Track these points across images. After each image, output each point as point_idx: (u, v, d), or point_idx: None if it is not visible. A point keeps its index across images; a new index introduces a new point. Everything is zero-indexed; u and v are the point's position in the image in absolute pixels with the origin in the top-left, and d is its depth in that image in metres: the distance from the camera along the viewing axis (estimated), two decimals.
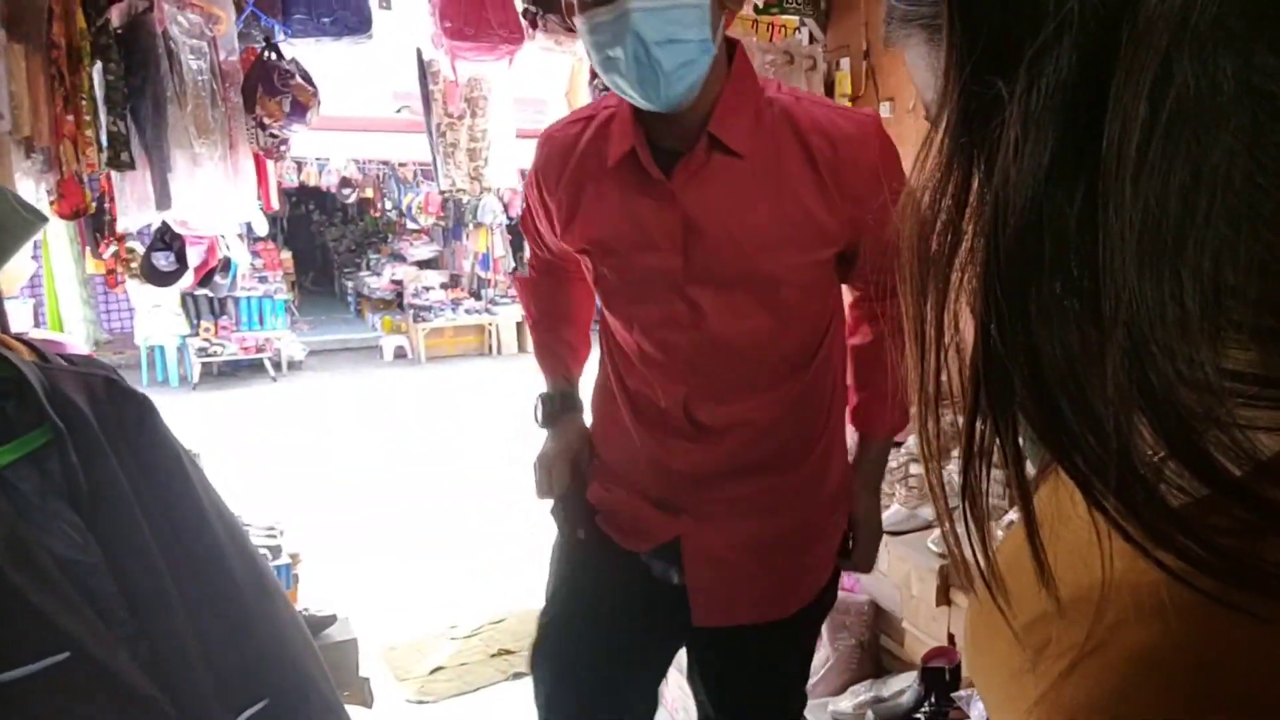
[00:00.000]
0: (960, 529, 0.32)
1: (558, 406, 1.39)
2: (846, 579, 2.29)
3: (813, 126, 1.15)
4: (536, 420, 1.40)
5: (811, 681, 2.11)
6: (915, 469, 2.05)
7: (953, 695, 1.74)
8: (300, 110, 2.59)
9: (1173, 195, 0.23)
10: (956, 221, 0.28)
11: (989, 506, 0.31)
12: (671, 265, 1.17)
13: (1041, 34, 0.24)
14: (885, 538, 2.09)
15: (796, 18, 3.18)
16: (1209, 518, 0.25)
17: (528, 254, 1.48)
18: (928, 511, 2.02)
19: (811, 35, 3.26)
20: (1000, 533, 0.37)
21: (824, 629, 2.14)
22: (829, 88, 3.19)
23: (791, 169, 1.14)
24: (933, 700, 1.77)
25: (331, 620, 1.97)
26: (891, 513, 2.02)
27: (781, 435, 1.24)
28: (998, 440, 0.29)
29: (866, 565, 1.39)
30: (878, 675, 2.07)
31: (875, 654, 2.14)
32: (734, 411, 1.23)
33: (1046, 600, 0.30)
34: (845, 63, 3.11)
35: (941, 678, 1.75)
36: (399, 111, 6.32)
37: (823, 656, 2.09)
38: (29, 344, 1.05)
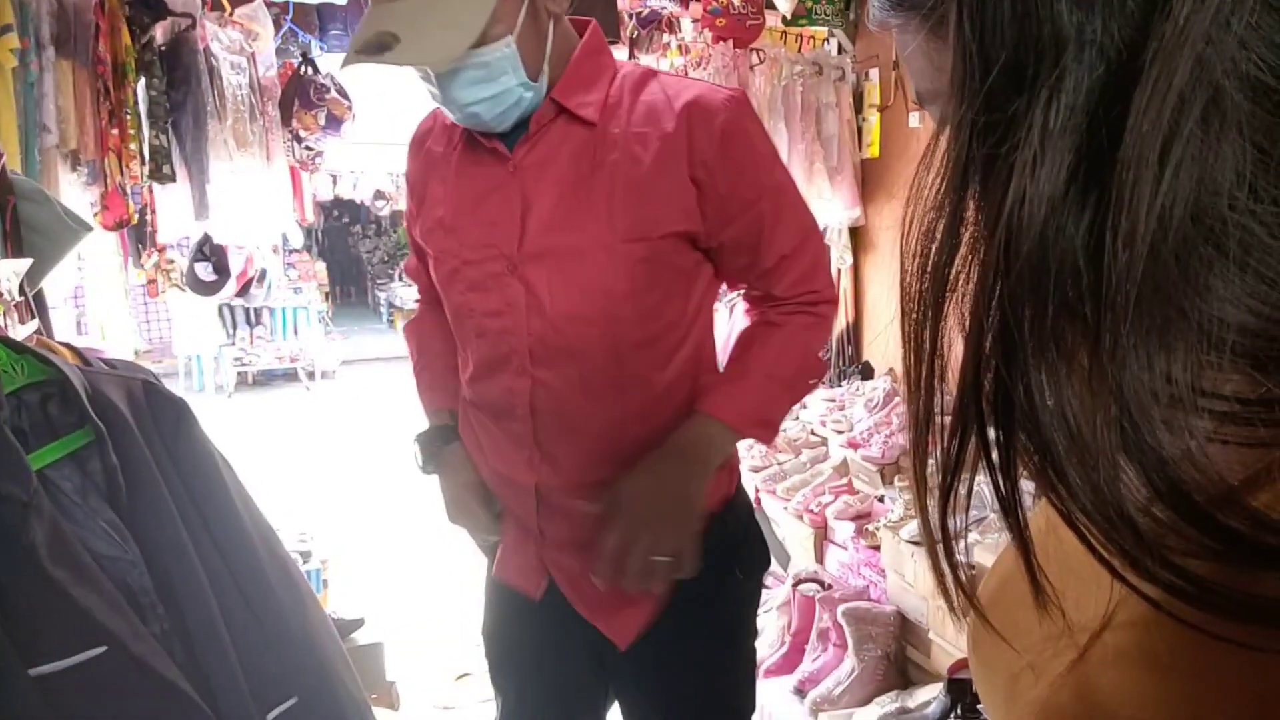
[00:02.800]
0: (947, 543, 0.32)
1: (437, 442, 1.32)
2: (873, 589, 2.27)
3: (671, 96, 1.10)
4: (418, 465, 1.33)
5: (837, 692, 2.10)
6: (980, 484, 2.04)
7: (978, 707, 1.72)
8: (335, 123, 2.65)
9: (1185, 205, 0.23)
10: (958, 243, 0.28)
11: (966, 534, 0.32)
12: (507, 238, 1.11)
13: (1063, 54, 0.24)
14: (911, 548, 2.09)
15: (825, 29, 3.19)
16: (1181, 545, 0.25)
17: (416, 294, 1.45)
18: (951, 523, 2.00)
19: (840, 46, 3.27)
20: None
21: (849, 639, 2.13)
22: (858, 98, 3.19)
23: (647, 137, 1.08)
24: (959, 712, 1.75)
25: (360, 624, 2.00)
26: (919, 524, 2.00)
27: (629, 448, 1.12)
28: (987, 464, 0.28)
29: (611, 572, 1.04)
30: (904, 687, 2.05)
31: (901, 665, 2.12)
32: (578, 411, 1.14)
33: (1045, 618, 0.30)
34: (874, 73, 3.12)
35: (968, 689, 1.73)
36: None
37: (848, 668, 2.08)
38: (71, 348, 1.08)
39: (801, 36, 3.27)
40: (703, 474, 1.10)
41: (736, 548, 1.22)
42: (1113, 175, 0.23)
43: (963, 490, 0.30)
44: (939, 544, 0.31)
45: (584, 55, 1.12)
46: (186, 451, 1.11)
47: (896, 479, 2.36)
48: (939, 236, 0.28)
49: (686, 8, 3.08)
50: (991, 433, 0.28)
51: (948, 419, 0.30)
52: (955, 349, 0.29)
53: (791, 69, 3.04)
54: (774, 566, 2.35)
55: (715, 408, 1.12)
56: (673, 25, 3.29)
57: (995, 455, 0.28)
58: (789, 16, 2.91)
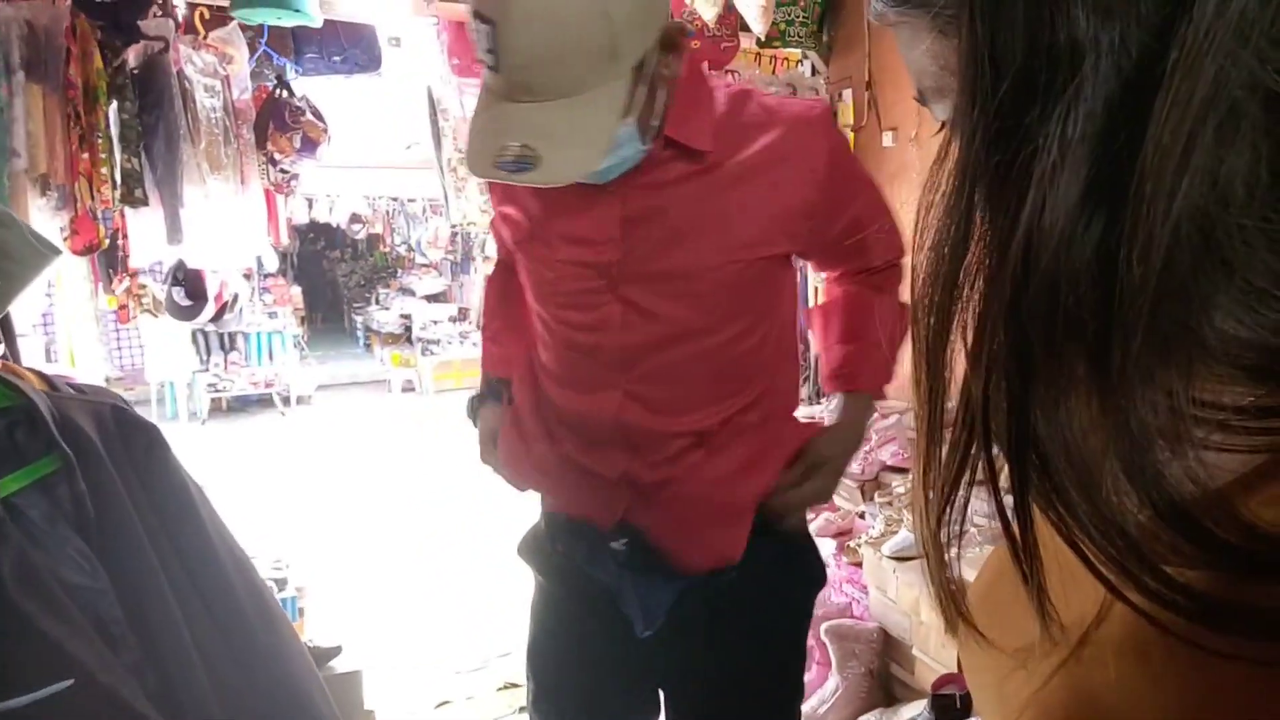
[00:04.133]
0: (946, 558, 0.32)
1: (477, 402, 1.39)
2: (855, 606, 2.27)
3: (772, 114, 1.13)
4: (469, 416, 1.41)
5: (821, 710, 2.08)
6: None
7: None
8: (310, 146, 2.64)
9: (1205, 202, 0.23)
10: (967, 255, 0.28)
11: (961, 544, 0.32)
12: (605, 259, 1.12)
13: (1081, 63, 0.24)
14: (894, 564, 2.09)
15: (799, 50, 3.24)
16: (1176, 558, 0.25)
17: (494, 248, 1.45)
18: (947, 534, 2.00)
19: (814, 68, 3.31)
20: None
21: (833, 656, 2.12)
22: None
23: (754, 158, 1.11)
24: None
25: (337, 651, 1.97)
26: (899, 539, 2.01)
27: (729, 447, 1.18)
28: (989, 477, 0.28)
29: (818, 497, 1.26)
30: (888, 704, 2.04)
31: (885, 682, 2.12)
32: (670, 422, 1.16)
33: (1040, 626, 0.30)
34: (848, 94, 3.15)
35: (953, 705, 1.73)
36: (408, 149, 6.42)
37: (832, 686, 2.07)
38: (38, 373, 1.06)
39: (776, 58, 3.31)
40: (860, 442, 1.30)
41: (804, 556, 1.30)
42: (1125, 187, 0.23)
43: (960, 504, 0.30)
44: (936, 556, 0.31)
45: (687, 85, 1.11)
46: (158, 477, 1.09)
47: (877, 495, 2.36)
48: (949, 245, 0.28)
49: None
50: (993, 447, 0.28)
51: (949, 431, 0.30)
52: (960, 360, 0.29)
53: (765, 90, 3.08)
54: None
55: (863, 384, 1.26)
56: None
57: (997, 469, 0.28)
58: (763, 39, 2.94)
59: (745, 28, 2.98)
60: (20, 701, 0.86)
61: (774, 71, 3.28)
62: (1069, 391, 0.25)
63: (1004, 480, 0.29)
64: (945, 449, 0.30)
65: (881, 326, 1.25)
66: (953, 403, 0.30)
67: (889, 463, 2.39)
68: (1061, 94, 0.24)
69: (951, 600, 0.32)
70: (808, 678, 2.23)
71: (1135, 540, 0.25)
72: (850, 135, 3.19)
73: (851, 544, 2.30)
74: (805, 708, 2.11)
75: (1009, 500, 0.28)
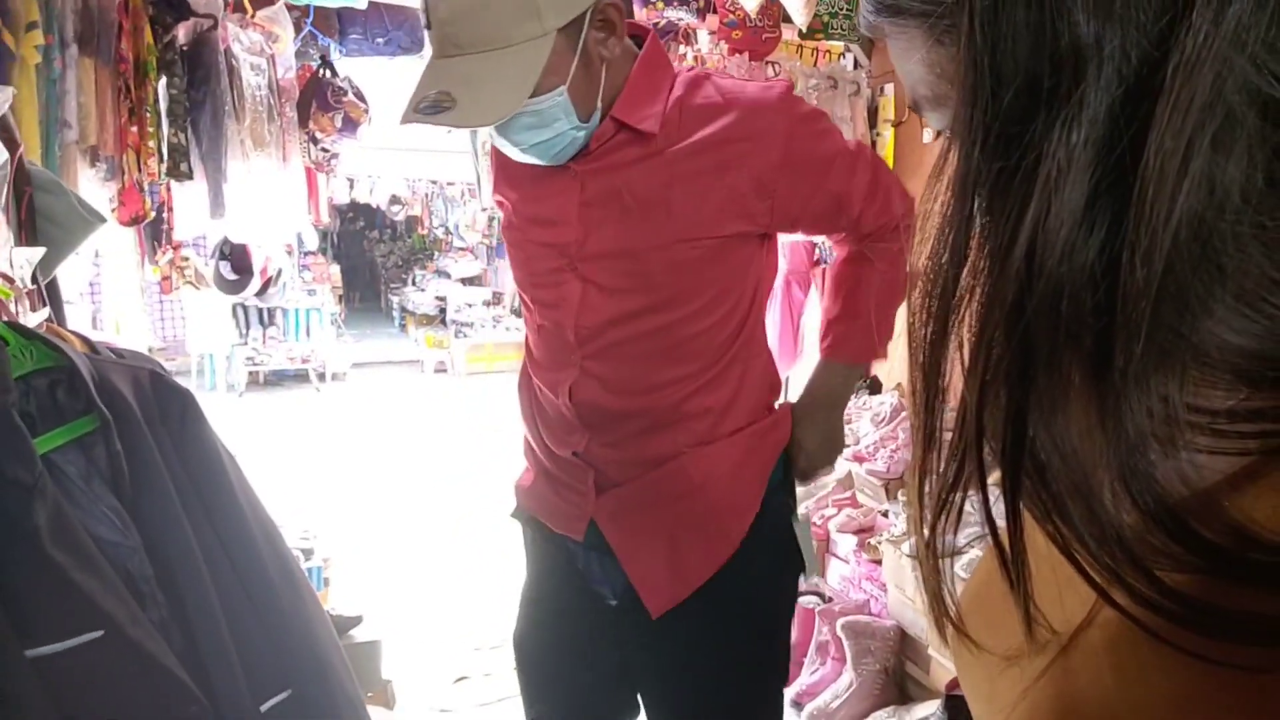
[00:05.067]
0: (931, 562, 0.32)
1: None
2: (874, 604, 2.26)
3: (726, 97, 1.15)
4: None
5: (834, 705, 2.09)
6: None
7: None
8: (351, 125, 2.68)
9: (1205, 204, 0.23)
10: (964, 258, 0.27)
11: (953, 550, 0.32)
12: (566, 240, 1.17)
13: (1083, 70, 0.24)
14: (912, 564, 2.08)
15: (841, 43, 3.21)
16: (1167, 563, 0.25)
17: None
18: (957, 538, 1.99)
19: (856, 61, 3.28)
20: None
21: (848, 652, 2.12)
22: (872, 113, 3.20)
23: (705, 140, 1.12)
24: None
25: (357, 621, 2.01)
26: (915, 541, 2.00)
27: (680, 427, 1.20)
28: (981, 483, 0.28)
29: (806, 475, 1.31)
30: (902, 702, 2.04)
31: (900, 681, 2.11)
32: (628, 405, 1.19)
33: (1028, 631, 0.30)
34: (889, 88, 3.13)
35: (966, 706, 1.72)
36: (449, 133, 6.45)
37: (846, 681, 2.07)
38: (80, 336, 1.10)
39: (818, 50, 3.28)
40: (844, 409, 1.34)
41: (784, 546, 1.28)
42: (1128, 192, 0.23)
43: (955, 509, 0.31)
44: (930, 564, 0.32)
45: (642, 70, 1.15)
46: (191, 441, 1.12)
47: (900, 494, 2.35)
48: (947, 253, 0.28)
49: (703, 20, 3.10)
50: (988, 454, 0.28)
51: (947, 435, 0.30)
52: (957, 366, 0.29)
53: (806, 83, 3.06)
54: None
55: (842, 354, 1.29)
56: (689, 37, 3.31)
57: (993, 476, 0.28)
58: (804, 30, 2.92)
59: (788, 19, 2.96)
60: (52, 649, 0.89)
61: (815, 64, 3.26)
62: (1065, 398, 0.26)
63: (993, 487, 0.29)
64: (941, 457, 0.30)
65: (869, 298, 1.26)
66: (950, 410, 0.30)
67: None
68: (1065, 101, 0.24)
69: (943, 608, 0.33)
70: (821, 672, 2.23)
71: (1127, 545, 0.25)
72: (890, 131, 3.16)
73: (872, 541, 2.30)
74: (818, 702, 2.11)
75: (998, 508, 0.28)
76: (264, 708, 1.11)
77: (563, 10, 1.04)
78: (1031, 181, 0.25)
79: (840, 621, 2.12)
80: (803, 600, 2.35)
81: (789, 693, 2.24)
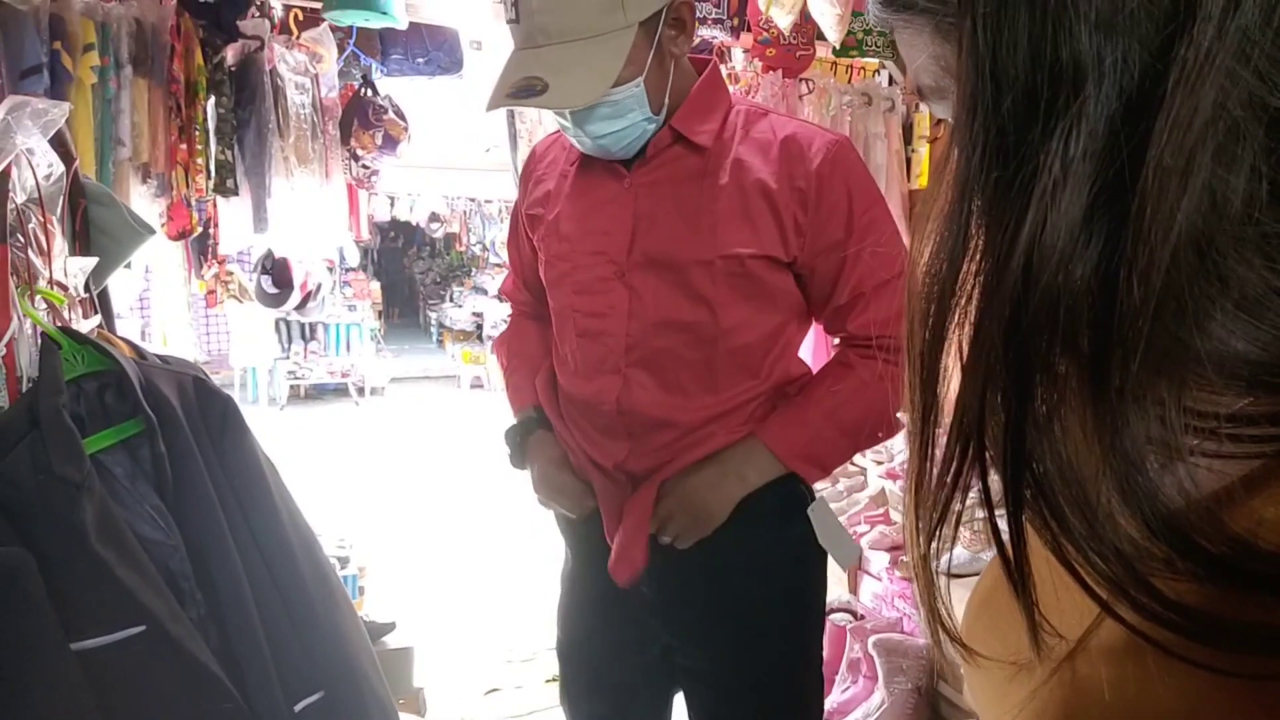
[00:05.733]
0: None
1: (521, 433, 1.38)
2: (906, 622, 2.23)
3: (778, 133, 1.19)
4: (510, 461, 1.39)
5: None
6: (980, 513, 2.01)
7: None
8: (391, 143, 2.74)
9: (1203, 216, 0.23)
10: (962, 270, 0.27)
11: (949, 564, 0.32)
12: (615, 247, 1.21)
13: (1084, 82, 0.24)
14: (945, 582, 2.04)
15: (875, 60, 3.21)
16: (1168, 573, 0.24)
17: (508, 310, 1.54)
18: (990, 555, 1.97)
19: (891, 78, 3.28)
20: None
21: (880, 670, 2.09)
22: (907, 130, 3.19)
23: (751, 168, 1.17)
24: None
25: (391, 627, 2.03)
26: (954, 555, 1.97)
27: (712, 443, 1.21)
28: (984, 494, 0.28)
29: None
30: None
31: (933, 700, 2.08)
32: (666, 409, 1.21)
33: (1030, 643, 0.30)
34: (924, 105, 3.11)
35: None
36: (487, 151, 6.56)
37: (878, 700, 2.04)
38: (129, 342, 1.14)
39: (852, 67, 3.29)
40: (736, 488, 1.20)
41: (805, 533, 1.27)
42: (1126, 206, 0.23)
43: (953, 521, 0.30)
44: (925, 578, 0.32)
45: (702, 89, 1.22)
46: (231, 446, 1.15)
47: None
48: (945, 259, 0.28)
49: (738, 38, 3.12)
50: (986, 462, 0.28)
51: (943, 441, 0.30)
52: (956, 376, 0.29)
53: (840, 99, 3.06)
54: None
55: (768, 436, 1.20)
56: (724, 55, 3.34)
57: (993, 486, 0.28)
58: (838, 47, 2.93)
59: (821, 36, 2.97)
60: (96, 642, 0.92)
61: (850, 81, 3.27)
62: (1063, 409, 0.25)
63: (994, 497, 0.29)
64: (938, 468, 0.30)
65: (830, 402, 1.20)
66: (947, 419, 0.30)
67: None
68: (1064, 112, 0.24)
69: (940, 621, 0.33)
70: (853, 690, 2.20)
71: (1128, 556, 0.25)
72: (925, 147, 3.15)
73: (905, 559, 2.27)
74: None
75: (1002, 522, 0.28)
76: (297, 708, 1.13)
77: (644, 4, 1.11)
78: (1029, 192, 0.25)
79: (872, 639, 2.10)
80: (834, 618, 2.33)
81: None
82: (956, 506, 0.30)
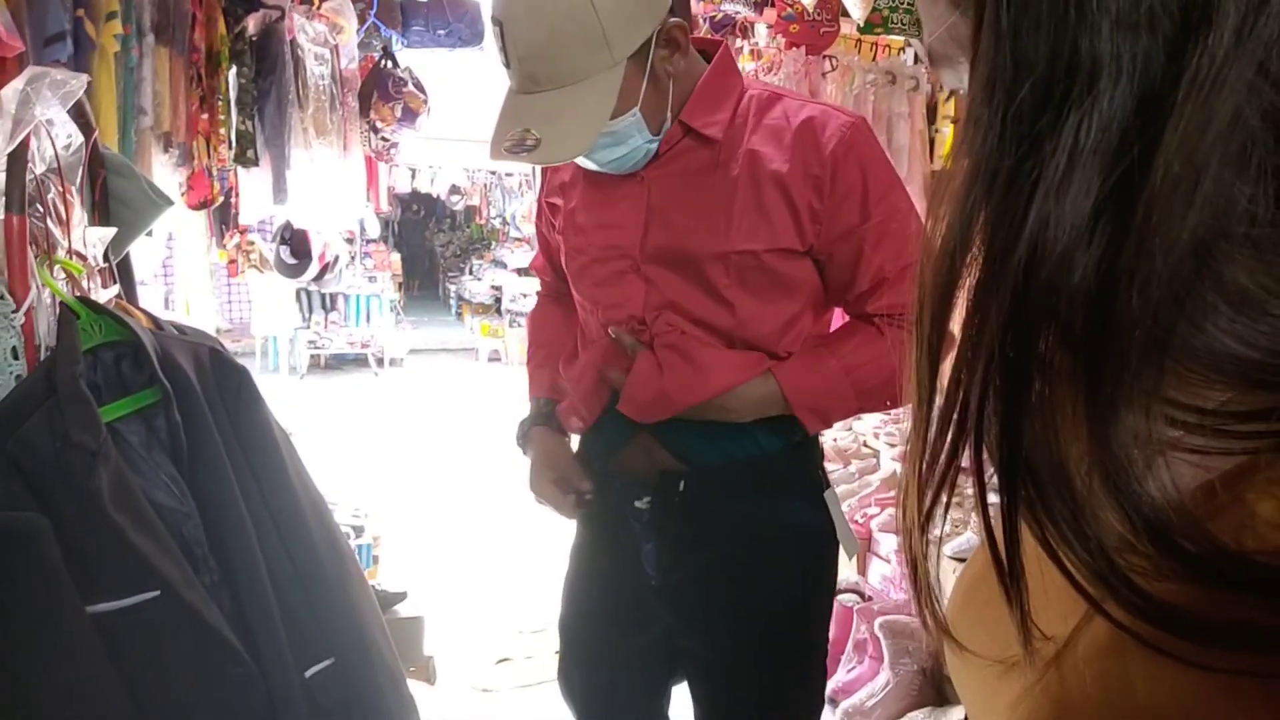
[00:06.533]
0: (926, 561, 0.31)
1: (528, 423, 1.40)
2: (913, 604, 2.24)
3: (791, 119, 1.17)
4: (521, 449, 1.41)
5: (870, 704, 2.08)
6: (993, 498, 2.01)
7: None
8: (410, 115, 2.74)
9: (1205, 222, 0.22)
10: (967, 258, 0.27)
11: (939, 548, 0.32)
12: (630, 242, 1.21)
13: (1099, 76, 0.23)
14: (955, 564, 2.05)
15: (901, 38, 3.16)
16: (1155, 572, 0.24)
17: (535, 285, 1.55)
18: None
19: (916, 56, 3.23)
20: None
21: (886, 652, 2.10)
22: (931, 109, 3.15)
23: (765, 158, 1.16)
24: None
25: (402, 597, 2.07)
26: (963, 539, 1.97)
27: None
28: (977, 483, 0.28)
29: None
30: (939, 704, 2.02)
31: (938, 682, 2.09)
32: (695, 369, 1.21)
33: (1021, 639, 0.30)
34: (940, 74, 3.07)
35: None
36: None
37: (883, 681, 2.06)
38: (146, 313, 1.16)
39: (876, 45, 3.24)
40: (735, 404, 1.19)
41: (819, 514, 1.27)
42: (1131, 209, 0.23)
43: (946, 506, 0.30)
44: (918, 561, 0.32)
45: (711, 78, 1.20)
46: (245, 416, 1.17)
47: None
48: (953, 246, 0.28)
49: (761, 13, 3.09)
50: (975, 455, 0.28)
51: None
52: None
53: (864, 77, 3.02)
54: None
55: (783, 374, 1.19)
56: (747, 31, 3.30)
57: (986, 476, 0.28)
58: (862, 24, 2.89)
59: (846, 13, 2.93)
60: (111, 606, 0.94)
61: (874, 58, 3.22)
62: (1059, 404, 0.25)
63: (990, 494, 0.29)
64: (930, 457, 0.30)
65: (857, 361, 1.19)
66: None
67: (964, 465, 2.35)
68: (1078, 103, 0.24)
69: (931, 605, 0.32)
70: (858, 670, 2.22)
71: (1110, 552, 0.25)
72: (950, 127, 3.10)
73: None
74: (854, 700, 2.11)
75: (994, 515, 0.28)
76: (308, 674, 1.16)
77: (630, 39, 1.09)
78: (1035, 183, 0.24)
79: (879, 621, 2.11)
80: (842, 598, 2.34)
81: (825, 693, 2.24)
82: (945, 496, 0.30)
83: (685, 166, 1.19)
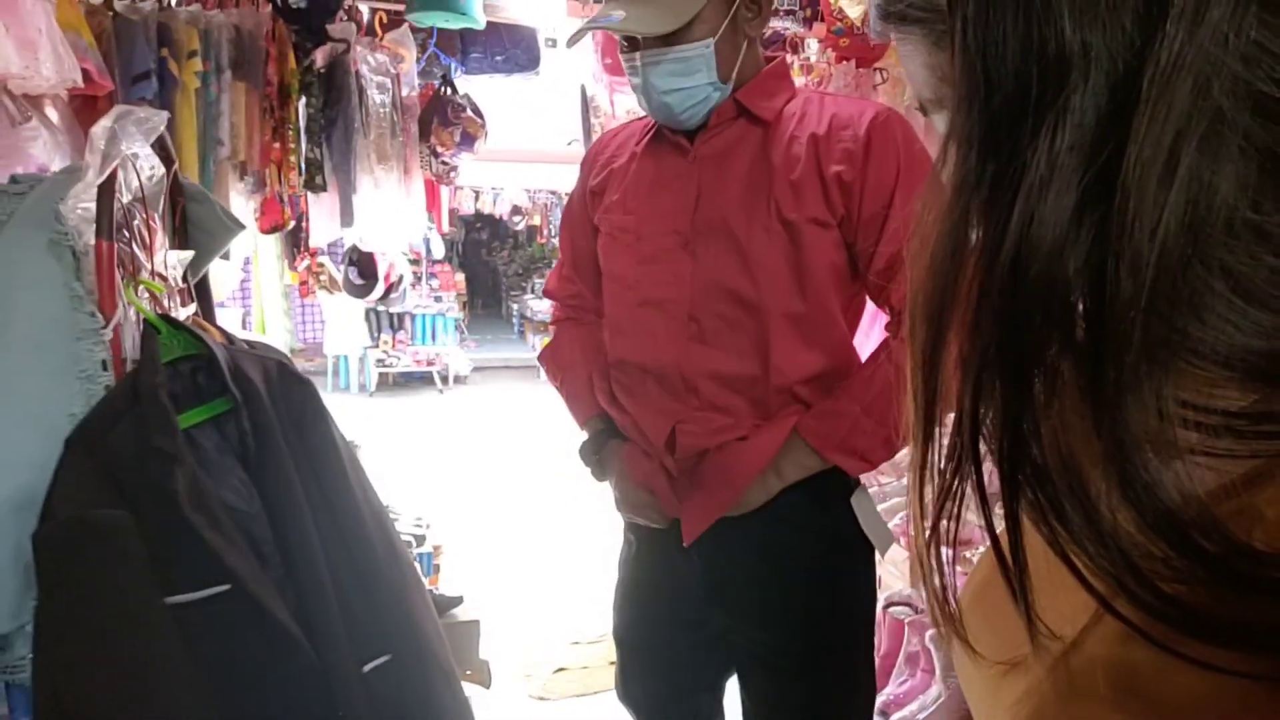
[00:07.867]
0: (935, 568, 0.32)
1: (595, 446, 1.41)
2: None
3: (829, 108, 1.25)
4: (594, 477, 1.43)
5: (921, 716, 2.05)
6: (994, 504, 1.97)
7: None
8: (469, 140, 2.85)
9: (1183, 219, 0.23)
10: (962, 261, 0.28)
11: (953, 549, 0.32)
12: (682, 215, 1.27)
13: (1069, 76, 0.24)
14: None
15: None
16: (1168, 572, 0.24)
17: (550, 310, 1.57)
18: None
19: None
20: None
21: (937, 664, 2.08)
22: None
23: (803, 139, 1.23)
24: None
25: (458, 601, 2.13)
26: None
27: (768, 406, 1.26)
28: (978, 488, 0.29)
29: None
30: None
31: None
32: (726, 377, 1.25)
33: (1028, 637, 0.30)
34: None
35: None
36: (569, 144, 6.68)
37: (935, 693, 2.03)
38: (220, 329, 1.25)
39: None
40: (773, 482, 1.26)
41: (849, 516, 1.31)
42: (1112, 199, 0.23)
43: (955, 509, 0.31)
44: (932, 566, 0.32)
45: (769, 74, 1.30)
46: (310, 426, 1.25)
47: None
48: (944, 255, 0.28)
49: (810, 29, 3.11)
50: (985, 459, 0.29)
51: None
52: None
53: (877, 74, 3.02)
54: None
55: (806, 429, 1.24)
56: (797, 47, 3.32)
57: (989, 481, 0.28)
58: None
59: None
60: (188, 597, 1.02)
61: None
62: (1061, 402, 0.26)
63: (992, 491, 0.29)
64: (941, 460, 0.30)
65: (872, 395, 1.22)
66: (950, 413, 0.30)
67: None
68: (1050, 107, 0.24)
69: (945, 608, 0.33)
70: (910, 683, 2.20)
71: (1126, 552, 0.25)
72: None
73: (969, 554, 2.25)
74: (905, 713, 2.09)
75: (998, 516, 0.29)
76: (366, 668, 1.22)
77: None
78: (1019, 187, 0.25)
79: (929, 633, 2.09)
80: (894, 611, 2.32)
81: (876, 702, 2.22)
82: (957, 495, 0.30)
83: (733, 143, 1.26)
